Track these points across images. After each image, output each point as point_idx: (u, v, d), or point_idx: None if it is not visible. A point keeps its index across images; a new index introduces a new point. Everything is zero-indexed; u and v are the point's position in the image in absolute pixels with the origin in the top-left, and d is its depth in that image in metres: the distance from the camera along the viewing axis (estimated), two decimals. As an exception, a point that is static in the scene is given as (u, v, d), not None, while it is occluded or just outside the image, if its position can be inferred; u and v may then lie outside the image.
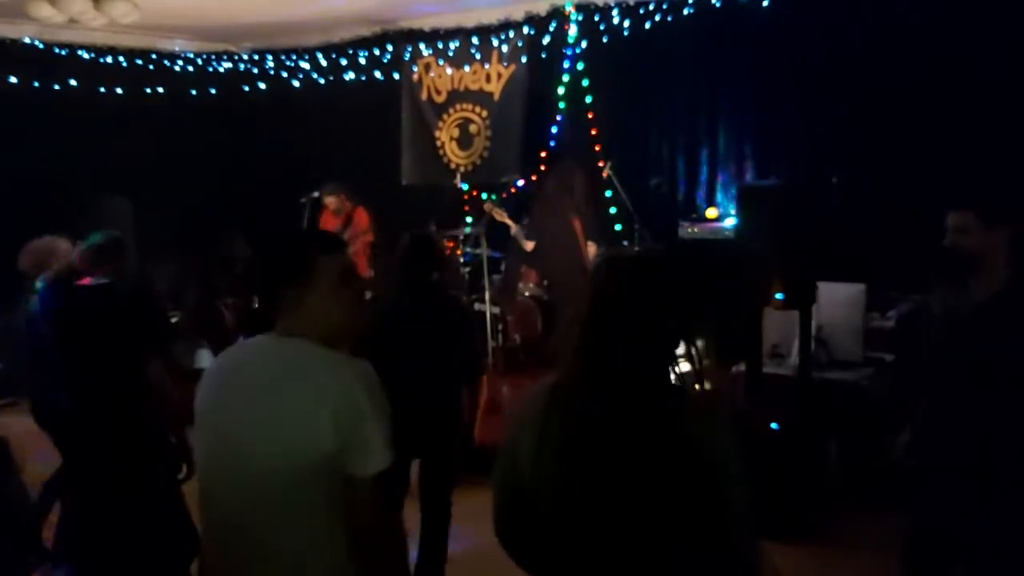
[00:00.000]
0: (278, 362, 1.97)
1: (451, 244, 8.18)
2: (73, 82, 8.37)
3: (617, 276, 1.77)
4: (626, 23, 7.22)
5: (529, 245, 6.73)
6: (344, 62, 8.99)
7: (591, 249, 6.71)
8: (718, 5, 6.78)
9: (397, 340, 3.62)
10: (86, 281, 3.72)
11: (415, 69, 8.73)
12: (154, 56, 9.07)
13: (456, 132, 8.58)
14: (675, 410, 1.68)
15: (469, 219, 8.12)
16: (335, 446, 1.86)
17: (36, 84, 8.15)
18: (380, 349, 3.54)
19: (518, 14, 7.87)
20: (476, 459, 5.50)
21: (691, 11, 6.91)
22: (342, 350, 2.01)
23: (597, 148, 7.30)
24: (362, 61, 8.91)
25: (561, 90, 7.59)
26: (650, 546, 1.65)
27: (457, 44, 8.36)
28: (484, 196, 7.60)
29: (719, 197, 7.20)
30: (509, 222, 6.87)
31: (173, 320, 6.43)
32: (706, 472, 1.63)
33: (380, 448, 1.91)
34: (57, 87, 8.30)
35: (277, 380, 1.94)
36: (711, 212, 7.11)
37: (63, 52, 8.37)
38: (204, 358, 7.12)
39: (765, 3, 6.53)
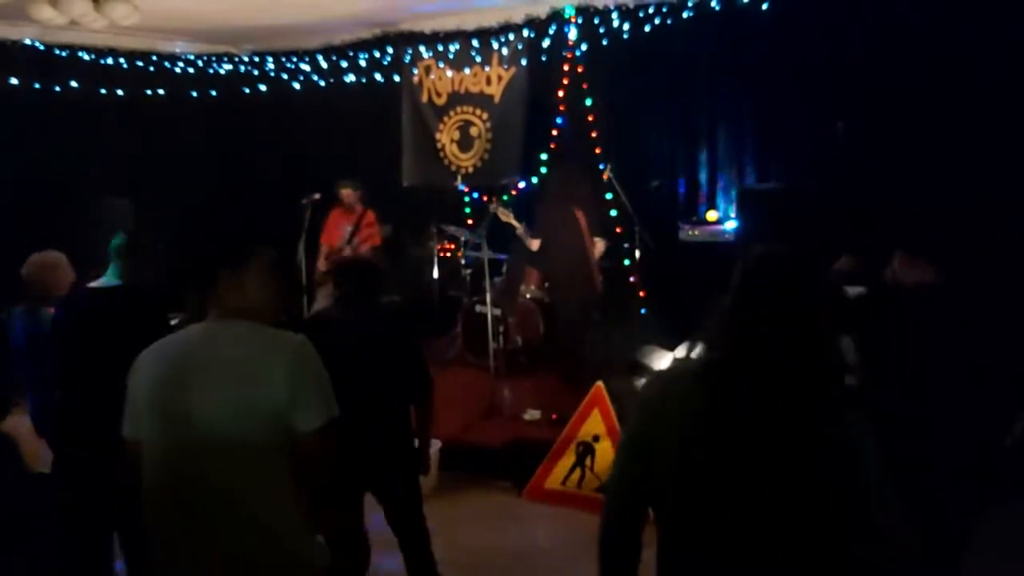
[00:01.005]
0: (232, 338, 2.23)
1: (451, 246, 8.20)
2: (74, 83, 8.37)
3: (789, 272, 1.85)
4: (626, 26, 7.24)
5: (535, 244, 6.72)
6: (344, 64, 9.00)
7: (598, 244, 6.72)
8: (718, 8, 6.80)
9: (335, 363, 3.50)
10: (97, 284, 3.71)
11: (415, 71, 8.74)
12: (155, 58, 9.07)
13: (457, 134, 8.60)
14: (839, 396, 1.82)
15: (470, 222, 8.13)
16: (289, 404, 2.15)
17: (37, 85, 8.15)
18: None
19: (518, 17, 7.87)
20: (482, 461, 5.55)
21: (691, 14, 6.93)
22: None
23: (597, 150, 7.31)
24: (362, 63, 8.91)
25: (561, 93, 7.60)
26: (810, 518, 1.76)
27: (457, 47, 8.37)
28: (484, 198, 7.60)
29: (719, 199, 7.22)
30: (514, 222, 6.88)
31: (173, 323, 6.39)
32: (859, 454, 1.79)
33: (326, 403, 2.23)
34: (58, 88, 8.29)
35: (235, 354, 2.20)
36: (711, 214, 7.13)
37: (64, 53, 8.37)
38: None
39: (765, 6, 6.55)
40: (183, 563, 2.22)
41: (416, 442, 3.79)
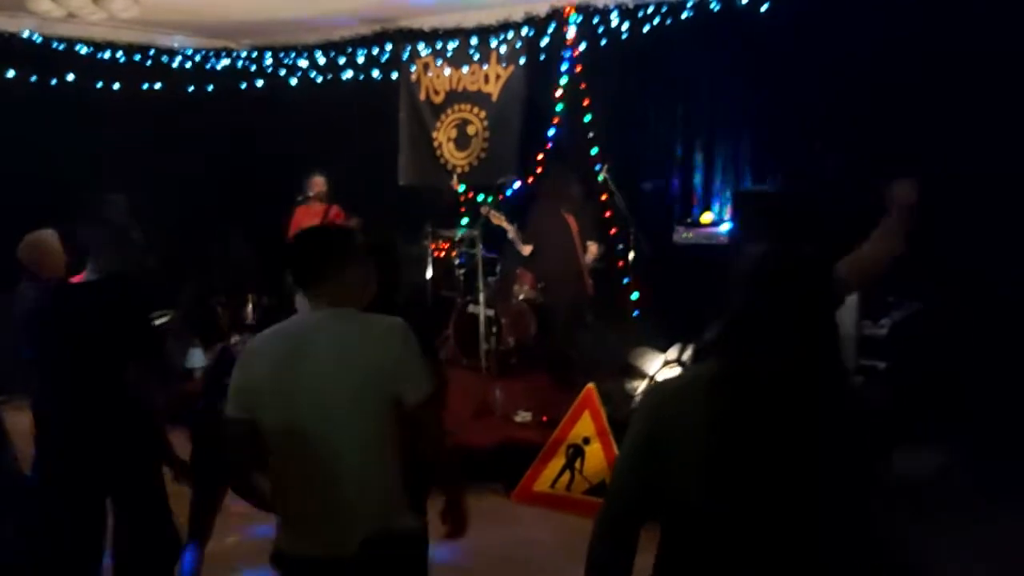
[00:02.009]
0: (344, 323, 2.51)
1: (446, 245, 8.18)
2: (71, 76, 8.35)
3: (805, 273, 1.79)
4: (625, 26, 7.22)
5: (527, 249, 6.71)
6: (342, 61, 8.98)
7: (592, 248, 6.69)
8: (716, 9, 6.78)
9: None
10: (78, 278, 3.69)
11: (413, 69, 8.73)
12: (152, 52, 9.04)
13: (454, 132, 8.58)
14: (855, 398, 1.82)
15: (465, 220, 8.12)
16: (399, 378, 2.46)
17: (34, 78, 8.12)
18: None
19: (517, 15, 7.86)
20: (471, 462, 5.54)
21: (690, 15, 6.91)
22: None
23: (594, 150, 7.30)
24: (360, 60, 8.89)
25: (559, 92, 7.59)
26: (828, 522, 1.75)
27: (456, 44, 8.35)
28: (480, 197, 7.59)
29: (715, 201, 7.22)
30: (506, 225, 6.87)
31: (161, 320, 6.37)
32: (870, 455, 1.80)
33: (428, 378, 2.52)
34: (55, 81, 8.27)
35: (350, 336, 2.48)
36: (706, 216, 7.12)
37: (61, 46, 8.35)
38: (196, 358, 7.10)
39: (764, 8, 6.53)
40: (300, 512, 2.54)
41: None
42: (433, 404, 2.56)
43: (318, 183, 7.72)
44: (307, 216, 7.64)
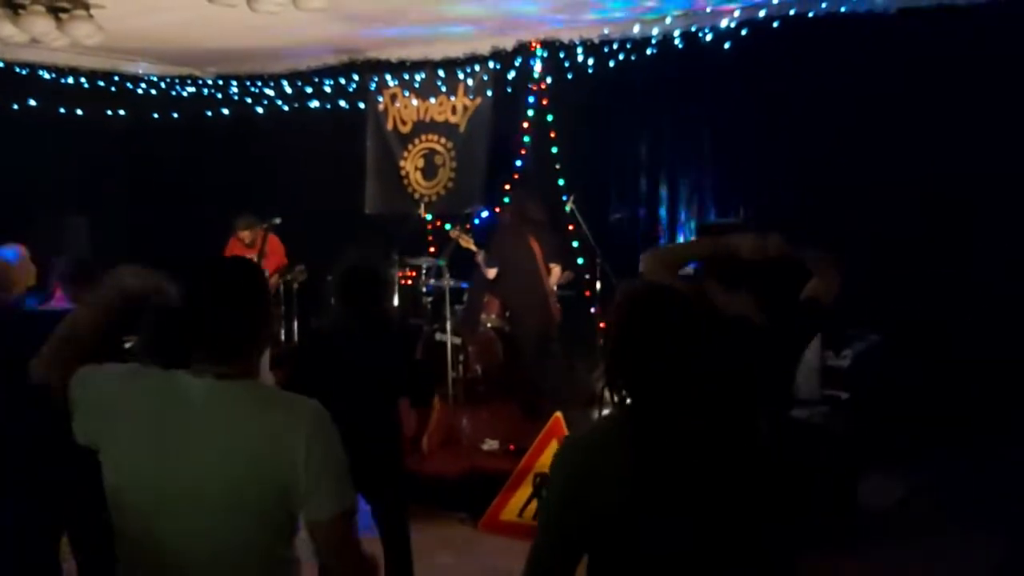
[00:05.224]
0: (239, 401, 1.88)
1: (413, 273, 8.17)
2: (33, 102, 8.26)
3: (681, 306, 1.85)
4: (590, 60, 7.34)
5: (491, 272, 6.72)
6: (309, 90, 8.99)
7: (555, 271, 6.72)
8: (681, 46, 6.93)
9: (334, 367, 3.68)
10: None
11: (381, 99, 8.77)
12: (117, 78, 8.98)
13: (421, 162, 8.62)
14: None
15: (432, 250, 8.12)
16: (293, 486, 1.82)
17: (-5, 103, 8.05)
18: (318, 376, 3.63)
19: (484, 49, 7.94)
20: (438, 491, 5.50)
21: (654, 51, 7.05)
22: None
23: (560, 182, 7.37)
24: (327, 89, 8.92)
25: (526, 124, 7.67)
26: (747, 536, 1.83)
27: (423, 76, 8.42)
28: (448, 227, 7.60)
29: (680, 233, 7.31)
30: (474, 248, 6.88)
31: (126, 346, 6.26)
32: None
33: (339, 491, 1.87)
34: (16, 106, 8.18)
35: (236, 421, 1.86)
36: (671, 248, 7.19)
37: (24, 71, 8.26)
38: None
39: (727, 45, 6.69)
40: None
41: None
42: (344, 526, 1.88)
43: (244, 236, 7.34)
44: (242, 251, 7.30)
